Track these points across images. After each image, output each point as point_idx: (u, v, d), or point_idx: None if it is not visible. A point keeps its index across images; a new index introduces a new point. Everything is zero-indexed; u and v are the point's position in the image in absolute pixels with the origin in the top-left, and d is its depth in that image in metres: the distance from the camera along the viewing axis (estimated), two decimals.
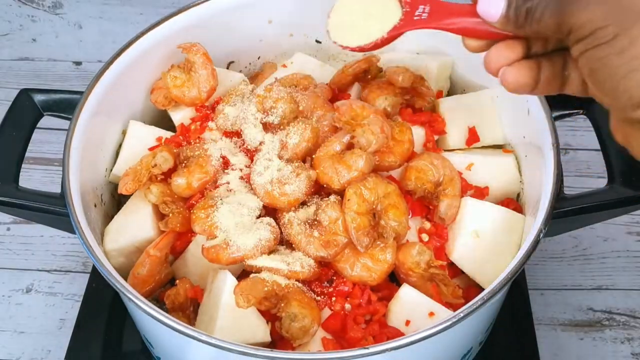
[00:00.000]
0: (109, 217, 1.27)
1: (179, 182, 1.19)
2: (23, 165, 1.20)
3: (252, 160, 1.22)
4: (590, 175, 1.65)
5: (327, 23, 1.03)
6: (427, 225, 1.21)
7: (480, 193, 1.25)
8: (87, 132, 1.20)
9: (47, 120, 1.29)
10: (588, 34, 0.76)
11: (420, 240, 1.19)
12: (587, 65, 0.78)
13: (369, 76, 1.35)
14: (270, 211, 1.18)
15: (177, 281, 1.15)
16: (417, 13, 0.94)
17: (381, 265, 1.12)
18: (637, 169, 1.13)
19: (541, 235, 1.03)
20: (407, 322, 1.09)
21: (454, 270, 1.19)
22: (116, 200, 1.34)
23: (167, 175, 1.22)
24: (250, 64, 1.52)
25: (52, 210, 1.14)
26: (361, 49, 0.99)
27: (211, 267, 1.14)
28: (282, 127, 1.21)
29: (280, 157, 1.18)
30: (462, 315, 0.95)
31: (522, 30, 0.83)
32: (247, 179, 1.21)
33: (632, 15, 0.74)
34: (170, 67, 1.35)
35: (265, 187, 1.14)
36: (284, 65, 1.45)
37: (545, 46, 0.88)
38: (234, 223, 1.11)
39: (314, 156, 1.18)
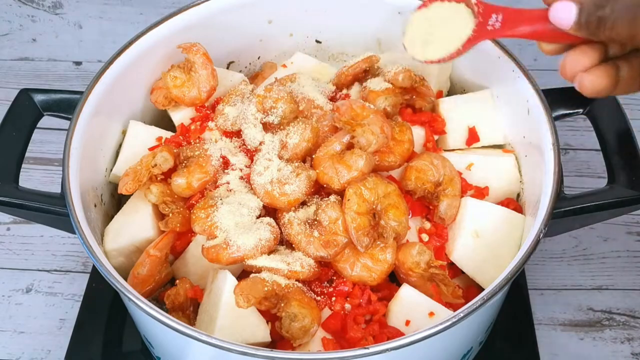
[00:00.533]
0: (109, 217, 1.27)
1: (179, 182, 1.19)
2: (23, 165, 1.20)
3: (252, 160, 1.22)
4: (591, 175, 1.64)
5: (404, 39, 1.07)
6: (427, 225, 1.21)
7: (480, 193, 1.25)
8: (87, 132, 1.20)
9: (47, 120, 1.29)
10: None
11: (420, 240, 1.19)
12: None
13: (369, 76, 1.35)
14: (270, 211, 1.18)
15: (177, 281, 1.15)
16: (490, 23, 0.95)
17: (381, 265, 1.12)
18: (637, 168, 1.13)
19: (541, 235, 1.03)
20: (407, 322, 1.09)
21: (454, 270, 1.19)
22: (116, 200, 1.34)
23: (167, 175, 1.22)
24: (250, 64, 1.51)
25: (52, 210, 1.14)
26: (440, 61, 1.04)
27: (211, 267, 1.14)
28: (282, 127, 1.21)
29: (280, 157, 1.18)
30: (462, 315, 0.95)
31: (596, 37, 0.82)
32: (247, 179, 1.21)
33: None
34: (170, 67, 1.34)
35: (265, 187, 1.14)
36: (284, 65, 1.45)
37: (624, 48, 0.87)
38: (234, 223, 1.11)
39: (314, 156, 1.18)
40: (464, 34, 0.99)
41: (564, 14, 0.83)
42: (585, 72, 0.86)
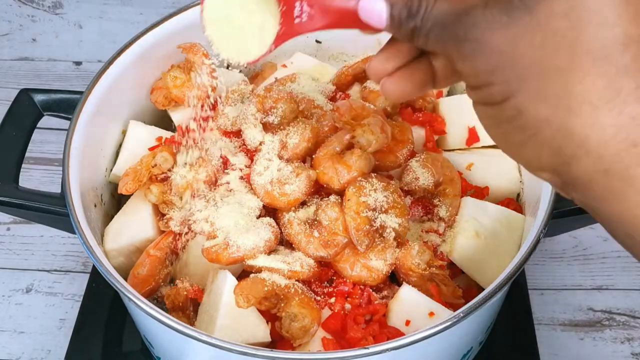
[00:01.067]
0: (109, 217, 1.27)
1: (179, 182, 1.19)
2: (23, 165, 1.20)
3: (252, 160, 1.21)
4: None
5: (205, 32, 0.89)
6: (427, 225, 1.21)
7: (480, 193, 1.24)
8: (87, 132, 1.20)
9: (47, 120, 1.29)
10: (476, 85, 0.67)
11: (420, 240, 1.19)
12: (480, 117, 0.71)
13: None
14: (270, 211, 1.17)
15: (177, 281, 1.15)
16: (296, 14, 0.81)
17: (381, 265, 1.12)
18: None
19: (541, 235, 1.03)
20: (407, 322, 1.09)
21: (454, 270, 1.18)
22: (116, 200, 1.33)
23: (167, 175, 1.21)
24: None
25: (52, 210, 1.14)
26: (252, 63, 0.89)
27: (211, 267, 1.13)
28: (282, 127, 1.21)
29: (280, 157, 1.17)
30: (462, 315, 0.95)
31: (415, 44, 0.74)
32: (247, 179, 1.20)
33: (519, 71, 0.64)
34: (170, 67, 1.34)
35: (265, 187, 1.14)
36: (284, 65, 1.44)
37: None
38: (233, 223, 1.11)
39: (314, 156, 1.18)
40: (271, 25, 0.83)
41: (374, 15, 0.74)
42: (388, 78, 0.78)
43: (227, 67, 1.44)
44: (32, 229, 1.59)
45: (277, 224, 1.15)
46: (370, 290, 1.13)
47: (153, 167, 1.19)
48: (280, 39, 0.84)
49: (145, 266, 1.15)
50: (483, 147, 1.31)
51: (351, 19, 0.78)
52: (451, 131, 1.31)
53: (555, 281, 1.48)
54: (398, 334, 1.07)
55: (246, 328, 1.06)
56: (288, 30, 0.83)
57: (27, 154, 1.22)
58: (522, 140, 0.67)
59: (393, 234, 1.12)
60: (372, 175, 1.15)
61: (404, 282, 1.13)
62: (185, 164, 1.20)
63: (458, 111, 1.31)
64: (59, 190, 1.13)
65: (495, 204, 1.20)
